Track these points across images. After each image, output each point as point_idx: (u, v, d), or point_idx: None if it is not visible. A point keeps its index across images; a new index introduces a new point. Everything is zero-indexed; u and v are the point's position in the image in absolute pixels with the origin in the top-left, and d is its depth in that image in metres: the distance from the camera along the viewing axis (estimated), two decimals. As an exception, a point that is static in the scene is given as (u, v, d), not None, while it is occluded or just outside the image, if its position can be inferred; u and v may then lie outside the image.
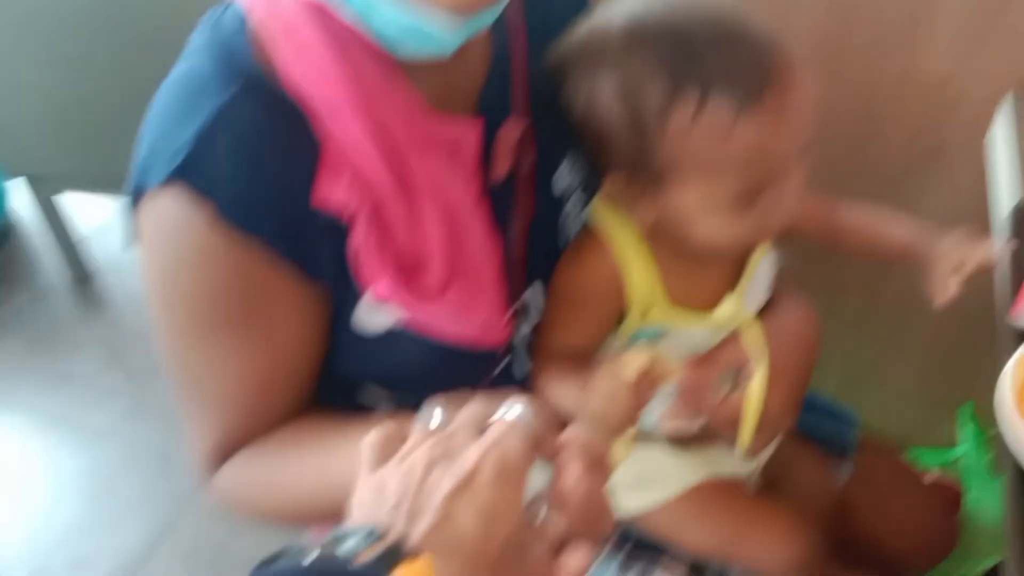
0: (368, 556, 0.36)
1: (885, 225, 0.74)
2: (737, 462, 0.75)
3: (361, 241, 0.57)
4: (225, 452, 0.64)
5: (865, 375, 1.30)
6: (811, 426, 0.88)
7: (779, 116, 0.56)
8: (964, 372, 1.22)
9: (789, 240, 0.74)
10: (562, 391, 0.65)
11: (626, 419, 0.56)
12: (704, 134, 0.56)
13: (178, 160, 0.54)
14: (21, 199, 1.94)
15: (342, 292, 0.60)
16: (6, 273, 2.04)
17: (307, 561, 0.36)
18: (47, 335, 1.89)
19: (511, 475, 0.40)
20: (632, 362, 0.56)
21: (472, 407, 0.45)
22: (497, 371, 0.69)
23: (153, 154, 0.57)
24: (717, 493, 0.73)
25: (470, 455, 0.40)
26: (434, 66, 0.58)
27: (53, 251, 1.96)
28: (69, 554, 1.47)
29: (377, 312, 0.61)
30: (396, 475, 0.41)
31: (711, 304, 0.67)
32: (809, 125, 0.59)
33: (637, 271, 0.65)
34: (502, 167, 0.64)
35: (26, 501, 1.57)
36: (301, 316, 0.60)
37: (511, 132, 0.63)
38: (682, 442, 0.73)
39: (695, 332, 0.68)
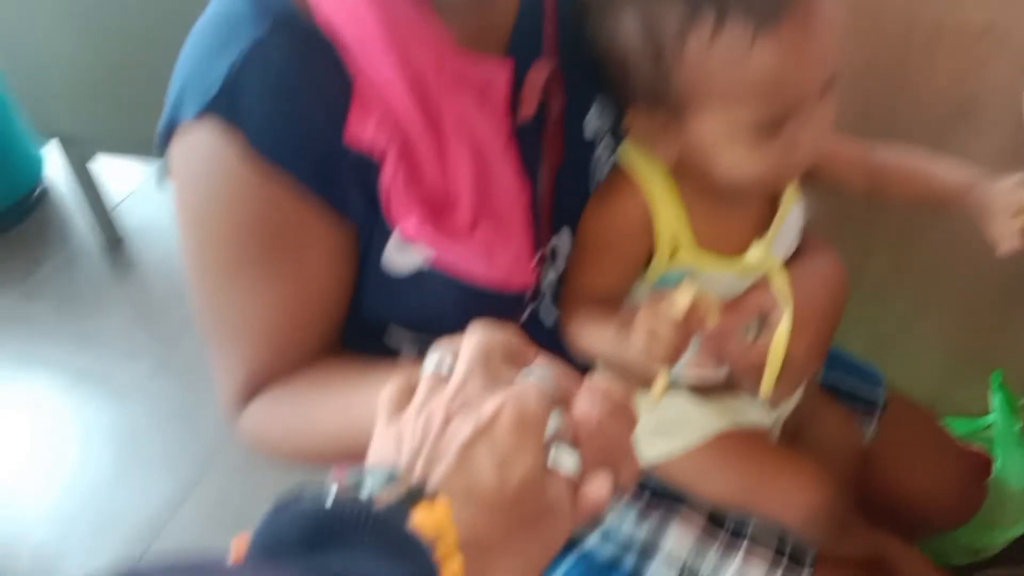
0: (388, 497, 0.36)
1: (932, 166, 0.71)
2: (760, 412, 0.74)
3: (390, 179, 0.57)
4: (252, 390, 0.64)
5: (894, 336, 1.27)
6: (837, 382, 0.87)
7: (797, 43, 0.54)
8: (995, 337, 1.20)
9: (823, 185, 0.73)
10: (594, 335, 0.65)
11: (669, 358, 0.55)
12: (720, 59, 0.55)
13: (211, 93, 0.54)
14: (57, 164, 1.97)
15: (371, 231, 0.60)
16: (41, 236, 2.08)
17: (328, 502, 0.36)
18: (78, 296, 1.92)
19: (529, 423, 0.40)
20: (679, 299, 0.55)
21: (473, 342, 0.44)
22: (525, 316, 0.69)
23: (186, 88, 0.57)
24: (739, 442, 0.72)
25: (489, 405, 0.40)
26: (467, 4, 0.57)
27: (86, 215, 1.99)
28: (96, 509, 1.49)
29: (406, 251, 0.61)
30: (414, 426, 0.41)
31: (738, 249, 0.66)
32: (832, 57, 0.57)
33: (665, 211, 0.64)
34: (530, 107, 0.63)
35: (54, 457, 1.60)
36: (330, 253, 0.60)
37: (539, 73, 0.63)
38: (704, 391, 0.72)
39: (722, 277, 0.67)
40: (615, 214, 0.66)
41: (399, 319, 0.66)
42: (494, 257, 0.61)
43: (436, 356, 0.44)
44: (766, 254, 0.65)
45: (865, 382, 0.88)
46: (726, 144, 0.59)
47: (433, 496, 0.37)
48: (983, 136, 1.06)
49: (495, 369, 0.43)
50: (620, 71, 0.60)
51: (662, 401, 0.72)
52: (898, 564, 0.78)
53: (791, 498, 0.71)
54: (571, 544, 0.74)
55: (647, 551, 0.73)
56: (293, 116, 0.55)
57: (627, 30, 0.58)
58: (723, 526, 0.75)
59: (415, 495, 0.37)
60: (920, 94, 1.07)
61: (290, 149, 0.56)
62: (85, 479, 1.55)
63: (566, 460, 0.41)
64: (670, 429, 0.72)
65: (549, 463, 0.41)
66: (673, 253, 0.66)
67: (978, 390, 1.15)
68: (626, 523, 0.74)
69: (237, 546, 0.36)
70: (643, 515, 0.75)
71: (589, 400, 0.44)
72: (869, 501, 0.81)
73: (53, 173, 2.14)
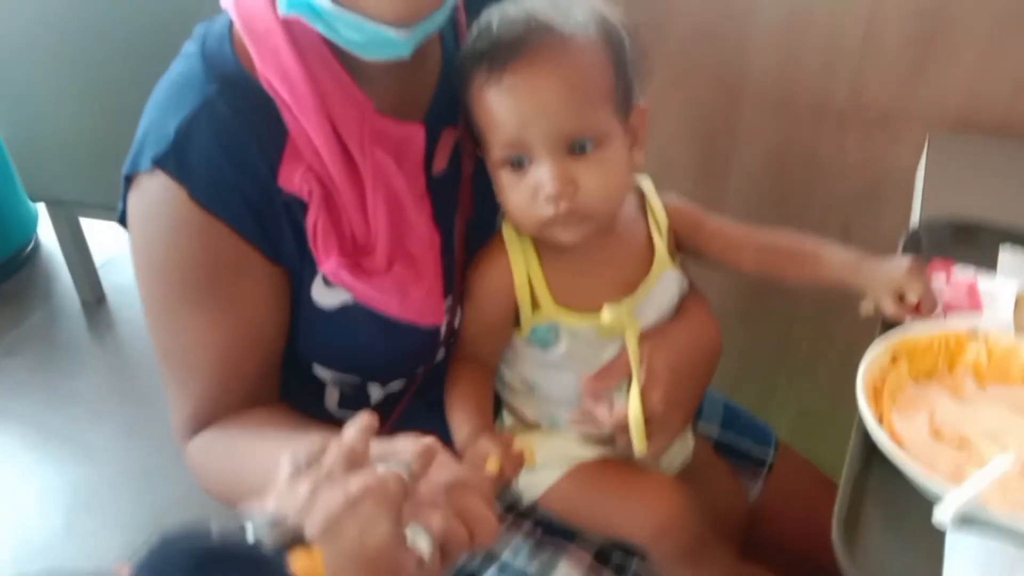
0: (271, 541, 0.42)
1: (820, 248, 0.75)
2: (648, 463, 0.77)
3: (314, 221, 0.65)
4: (198, 422, 0.70)
5: (819, 413, 1.30)
6: (731, 441, 0.92)
7: (515, 94, 0.64)
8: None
9: (716, 263, 0.77)
10: (455, 422, 0.71)
11: (490, 497, 0.59)
12: (475, 100, 0.66)
13: (161, 148, 0.63)
14: (46, 224, 2.06)
15: (302, 270, 0.68)
16: (26, 292, 2.15)
17: (215, 538, 0.41)
18: (56, 354, 1.97)
19: (389, 502, 0.47)
20: (489, 464, 0.62)
21: (336, 449, 0.50)
22: (441, 357, 0.76)
23: (143, 142, 0.66)
24: (596, 468, 0.75)
25: (356, 481, 0.47)
26: (391, 75, 0.67)
27: (71, 274, 2.06)
28: (46, 567, 1.49)
29: (330, 289, 0.68)
30: (287, 492, 0.47)
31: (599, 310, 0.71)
32: (567, 117, 0.64)
33: (522, 269, 0.71)
34: (441, 161, 0.72)
35: (9, 512, 1.60)
36: (265, 293, 0.68)
37: (451, 134, 0.72)
38: (593, 440, 0.76)
39: (584, 332, 0.71)
40: (482, 276, 0.73)
41: (328, 353, 0.73)
42: (407, 295, 0.69)
43: (295, 455, 0.50)
44: (619, 314, 0.69)
45: (757, 441, 0.92)
46: (497, 181, 0.68)
47: (309, 544, 0.43)
48: (889, 215, 1.13)
49: (357, 462, 0.49)
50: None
51: (547, 443, 0.77)
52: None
53: (640, 514, 0.73)
54: (470, 578, 0.78)
55: (538, 585, 0.76)
56: (234, 167, 0.64)
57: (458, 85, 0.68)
58: (608, 563, 0.78)
59: (294, 538, 0.42)
60: (832, 174, 1.15)
61: (229, 200, 0.64)
62: (39, 536, 1.55)
63: (420, 541, 0.49)
64: (547, 464, 0.76)
65: (408, 542, 0.48)
66: (535, 307, 0.71)
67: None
68: (519, 558, 0.78)
69: (119, 572, 0.40)
70: (535, 551, 0.79)
71: (439, 475, 0.52)
72: (756, 545, 0.84)
73: (46, 233, 2.21)
